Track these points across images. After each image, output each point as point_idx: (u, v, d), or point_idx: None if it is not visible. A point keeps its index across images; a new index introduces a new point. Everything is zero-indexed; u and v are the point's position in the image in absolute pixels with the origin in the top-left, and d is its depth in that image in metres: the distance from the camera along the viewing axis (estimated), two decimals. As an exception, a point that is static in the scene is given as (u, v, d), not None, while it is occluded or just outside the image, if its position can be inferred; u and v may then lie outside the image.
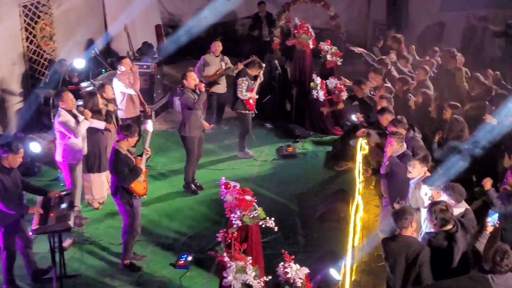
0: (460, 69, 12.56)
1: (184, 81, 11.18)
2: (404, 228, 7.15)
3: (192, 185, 11.55)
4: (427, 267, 7.02)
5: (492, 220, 7.24)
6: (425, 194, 8.15)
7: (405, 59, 13.78)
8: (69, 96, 10.13)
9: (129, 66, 12.25)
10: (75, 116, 10.13)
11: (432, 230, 7.34)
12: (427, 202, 8.00)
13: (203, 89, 11.24)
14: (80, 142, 10.17)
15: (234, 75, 13.35)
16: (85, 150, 10.35)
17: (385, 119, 10.23)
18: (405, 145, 9.10)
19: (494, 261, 6.57)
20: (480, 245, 7.26)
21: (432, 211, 7.16)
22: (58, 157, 10.28)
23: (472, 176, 9.85)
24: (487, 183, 8.36)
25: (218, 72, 13.77)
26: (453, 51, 13.54)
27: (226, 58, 14.02)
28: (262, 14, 18.22)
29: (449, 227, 7.16)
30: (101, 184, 10.88)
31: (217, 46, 13.84)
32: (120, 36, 16.48)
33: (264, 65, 13.07)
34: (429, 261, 7.04)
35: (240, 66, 13.14)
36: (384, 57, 13.75)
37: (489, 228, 7.26)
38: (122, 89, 12.04)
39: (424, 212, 7.76)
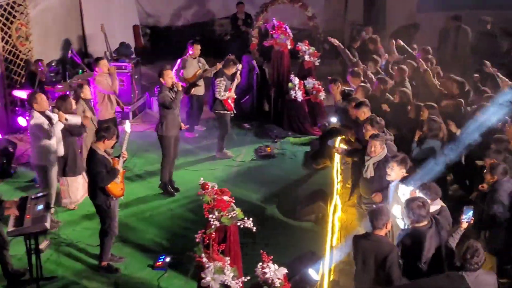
0: (426, 70, 12.61)
1: (161, 79, 11.13)
2: (378, 228, 7.19)
3: (169, 187, 11.50)
4: (396, 268, 7.06)
5: (467, 217, 7.31)
6: (403, 194, 8.19)
7: (375, 61, 13.71)
8: (42, 97, 10.03)
9: (107, 67, 12.20)
10: (49, 118, 10.04)
11: (407, 227, 7.42)
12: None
13: (180, 88, 11.20)
14: (54, 144, 10.07)
15: (212, 75, 13.33)
16: (61, 152, 10.25)
17: (362, 112, 10.27)
18: (386, 149, 9.14)
19: (465, 258, 6.63)
20: (453, 241, 7.34)
21: (409, 207, 7.23)
22: (33, 159, 10.20)
23: (446, 175, 9.97)
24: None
25: (197, 74, 13.73)
26: (428, 49, 13.64)
27: (202, 60, 13.96)
28: (240, 15, 18.20)
29: (424, 223, 7.23)
30: (77, 187, 10.80)
31: (196, 48, 13.78)
32: (97, 36, 16.39)
33: (239, 66, 13.01)
34: (397, 262, 7.10)
35: (219, 66, 13.11)
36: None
37: (464, 225, 7.33)
38: (100, 90, 11.97)
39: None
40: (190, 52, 13.73)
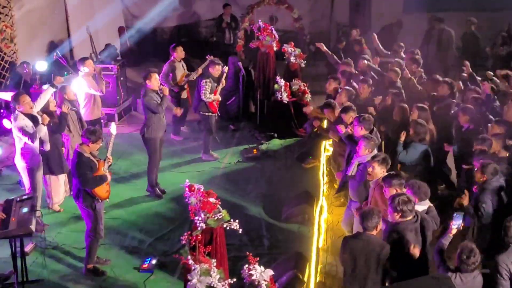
0: (411, 78, 12.67)
1: (147, 82, 11.09)
2: (370, 230, 7.22)
3: (157, 189, 11.48)
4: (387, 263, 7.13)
5: (457, 223, 7.26)
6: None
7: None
8: (26, 99, 9.97)
9: (92, 67, 12.16)
10: (34, 119, 10.00)
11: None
12: None
13: (167, 92, 11.17)
14: (37, 146, 10.04)
15: (194, 79, 13.33)
16: (47, 147, 10.22)
17: (350, 116, 10.27)
18: (375, 151, 9.18)
19: (461, 259, 6.63)
20: (442, 247, 7.27)
21: (395, 202, 7.26)
22: (17, 161, 10.16)
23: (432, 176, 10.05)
24: (465, 199, 8.52)
25: (183, 77, 13.71)
26: (416, 51, 13.70)
27: (183, 63, 13.99)
28: (227, 17, 18.21)
29: (409, 218, 7.28)
30: (58, 187, 10.77)
31: (179, 51, 13.76)
32: (83, 38, 16.35)
33: (225, 67, 12.99)
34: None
35: (200, 70, 13.10)
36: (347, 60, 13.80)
37: (453, 231, 7.28)
38: (85, 90, 11.93)
39: None
40: (174, 55, 13.71)
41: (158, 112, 11.00)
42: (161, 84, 11.47)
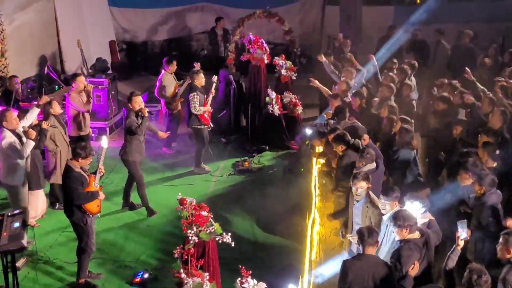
0: (405, 84, 12.77)
1: (129, 105, 11.08)
2: (371, 246, 7.09)
3: (150, 207, 11.36)
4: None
5: (464, 235, 7.08)
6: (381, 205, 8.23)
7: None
8: (12, 115, 9.92)
9: (83, 84, 12.12)
10: (19, 136, 9.95)
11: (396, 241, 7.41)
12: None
13: (147, 115, 11.05)
14: (24, 163, 10.01)
15: (186, 87, 13.42)
16: (28, 167, 10.18)
17: (339, 147, 10.30)
18: (374, 164, 9.22)
19: (472, 281, 6.42)
20: (452, 263, 7.17)
21: (400, 218, 7.20)
22: (3, 178, 10.09)
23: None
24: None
25: (176, 90, 13.74)
26: (415, 62, 13.86)
27: (173, 75, 14.05)
28: (219, 30, 18.25)
29: (415, 236, 7.23)
30: (36, 201, 10.70)
31: (173, 65, 13.84)
32: (74, 52, 16.34)
33: (214, 78, 13.00)
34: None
35: (189, 80, 13.14)
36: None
37: (461, 243, 7.14)
38: (71, 107, 11.91)
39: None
40: (168, 68, 13.74)
41: (137, 133, 10.94)
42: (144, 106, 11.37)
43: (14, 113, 10.06)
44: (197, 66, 13.34)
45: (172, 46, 20.83)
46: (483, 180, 8.34)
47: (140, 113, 11.01)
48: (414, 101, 12.81)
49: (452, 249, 7.19)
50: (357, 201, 8.58)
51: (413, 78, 13.77)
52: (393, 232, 7.42)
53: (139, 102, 11.05)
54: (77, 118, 12.03)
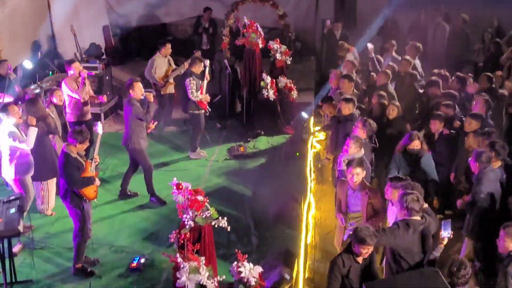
0: (409, 73, 12.80)
1: (131, 91, 10.97)
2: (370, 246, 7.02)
3: (158, 195, 11.24)
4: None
5: (447, 232, 7.15)
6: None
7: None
8: (14, 109, 9.91)
9: (79, 70, 12.07)
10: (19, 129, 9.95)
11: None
12: None
13: (152, 99, 11.01)
14: (29, 153, 9.99)
15: (181, 73, 13.37)
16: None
17: (347, 108, 10.70)
18: (362, 151, 9.26)
19: (452, 272, 6.58)
20: (433, 257, 7.21)
21: (404, 200, 7.23)
22: (7, 174, 10.07)
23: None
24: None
25: (169, 73, 13.73)
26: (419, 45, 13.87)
27: (170, 58, 14.06)
28: (205, 22, 18.13)
29: (417, 217, 7.23)
30: (52, 191, 10.68)
31: (167, 48, 13.84)
32: (67, 37, 16.27)
33: (206, 62, 12.98)
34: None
35: (186, 64, 13.11)
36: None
37: (445, 241, 7.18)
38: (68, 93, 11.87)
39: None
40: (161, 51, 13.75)
41: (146, 120, 10.91)
42: (144, 91, 11.31)
43: (16, 107, 10.02)
44: (197, 53, 13.32)
45: (166, 31, 20.76)
46: (480, 157, 8.49)
47: (144, 98, 10.93)
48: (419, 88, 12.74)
49: (435, 246, 7.23)
50: (353, 190, 8.54)
51: (418, 61, 13.82)
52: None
53: (141, 88, 10.98)
54: (75, 104, 11.98)
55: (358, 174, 8.38)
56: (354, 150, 9.21)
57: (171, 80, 13.96)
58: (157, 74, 13.69)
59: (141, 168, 11.23)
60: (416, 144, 9.39)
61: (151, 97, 10.99)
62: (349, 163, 8.47)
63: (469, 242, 8.78)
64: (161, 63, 13.81)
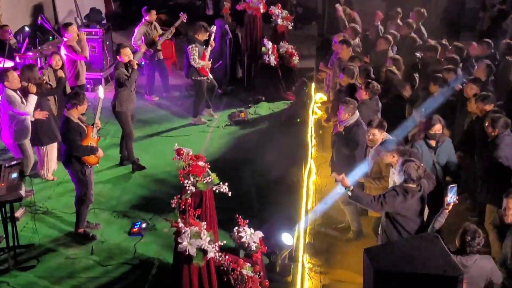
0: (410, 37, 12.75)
1: (118, 56, 11.00)
2: None
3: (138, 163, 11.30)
4: None
5: (452, 197, 7.00)
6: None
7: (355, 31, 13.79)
8: (14, 75, 9.85)
9: (76, 33, 12.04)
10: (21, 96, 9.89)
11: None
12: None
13: (136, 67, 10.92)
14: (29, 119, 9.99)
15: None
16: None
17: (346, 80, 10.77)
18: (357, 114, 9.20)
19: (465, 241, 6.45)
20: (439, 225, 7.10)
21: (404, 165, 7.19)
22: (7, 139, 10.08)
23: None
24: None
25: (156, 40, 13.74)
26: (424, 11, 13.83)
27: (157, 25, 14.09)
28: None
29: (412, 185, 7.20)
30: (53, 156, 10.71)
31: (152, 14, 13.85)
32: (67, 2, 16.16)
33: (212, 29, 12.91)
34: None
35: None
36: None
37: (450, 207, 7.05)
38: (71, 57, 11.84)
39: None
40: (146, 18, 13.73)
41: (126, 85, 10.86)
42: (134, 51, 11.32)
43: (15, 73, 9.97)
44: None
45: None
46: (496, 123, 8.40)
47: (129, 65, 10.93)
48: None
49: (440, 212, 7.11)
50: (371, 146, 8.63)
51: (422, 27, 13.76)
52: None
53: (128, 53, 10.92)
54: (74, 68, 11.96)
55: (374, 135, 8.43)
56: (345, 115, 9.13)
57: (159, 46, 13.93)
58: (145, 42, 13.65)
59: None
60: (437, 128, 8.67)
61: (134, 64, 10.90)
62: (370, 123, 8.54)
63: (491, 208, 8.57)
64: (147, 31, 13.77)
